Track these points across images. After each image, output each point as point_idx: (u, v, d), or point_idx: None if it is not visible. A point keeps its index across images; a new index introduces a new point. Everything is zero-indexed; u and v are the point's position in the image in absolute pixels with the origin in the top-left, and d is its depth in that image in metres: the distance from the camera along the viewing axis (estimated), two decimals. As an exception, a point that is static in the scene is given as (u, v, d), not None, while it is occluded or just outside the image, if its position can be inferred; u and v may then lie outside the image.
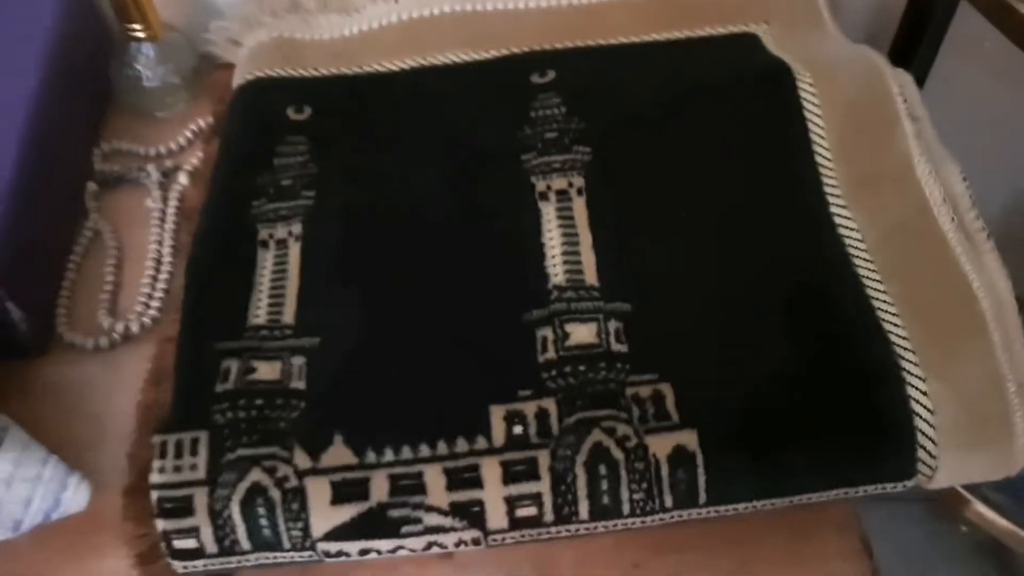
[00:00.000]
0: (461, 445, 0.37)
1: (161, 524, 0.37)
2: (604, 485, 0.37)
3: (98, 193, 0.55)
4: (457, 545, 0.38)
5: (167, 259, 0.52)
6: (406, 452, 0.37)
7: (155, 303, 0.50)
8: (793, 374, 0.39)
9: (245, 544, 0.37)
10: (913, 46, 0.64)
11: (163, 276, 0.51)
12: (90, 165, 0.56)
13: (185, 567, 0.38)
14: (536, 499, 0.37)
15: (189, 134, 0.58)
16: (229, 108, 0.52)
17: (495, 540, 0.38)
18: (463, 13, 0.56)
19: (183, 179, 0.55)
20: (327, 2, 0.58)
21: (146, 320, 0.49)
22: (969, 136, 0.49)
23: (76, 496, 0.41)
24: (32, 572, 0.41)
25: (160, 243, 0.53)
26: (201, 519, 0.37)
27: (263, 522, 0.37)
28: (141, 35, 0.57)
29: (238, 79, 0.54)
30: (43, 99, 0.51)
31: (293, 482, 0.37)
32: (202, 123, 0.58)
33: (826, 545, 0.41)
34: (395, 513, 0.37)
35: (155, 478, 0.37)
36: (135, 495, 0.41)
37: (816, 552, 0.41)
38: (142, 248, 0.53)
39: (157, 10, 0.57)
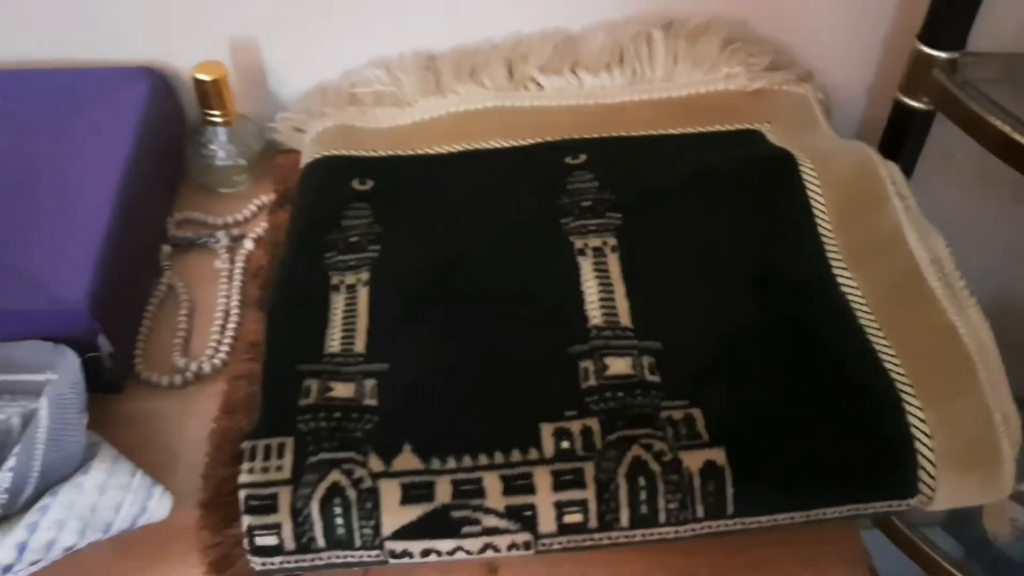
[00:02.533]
0: (515, 455, 0.42)
1: (247, 520, 0.41)
2: (643, 495, 0.41)
3: (171, 254, 0.61)
4: (510, 548, 0.42)
5: (234, 311, 0.58)
6: (466, 460, 0.42)
7: (224, 348, 0.55)
8: (807, 403, 0.44)
9: (320, 541, 0.41)
10: (893, 156, 0.72)
11: (231, 325, 0.57)
12: (165, 230, 0.62)
13: (263, 563, 0.41)
14: (582, 505, 0.41)
15: (254, 207, 0.65)
16: (301, 179, 0.59)
17: (544, 545, 0.42)
18: (503, 108, 0.64)
19: (249, 244, 0.62)
20: (381, 97, 0.66)
21: (216, 362, 0.54)
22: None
23: (160, 505, 0.45)
24: (112, 577, 0.45)
25: (228, 297, 0.58)
26: (283, 516, 0.41)
27: (339, 520, 0.41)
28: (218, 120, 0.64)
29: (307, 157, 0.61)
30: (131, 172, 0.57)
31: (368, 483, 0.41)
32: (264, 199, 0.65)
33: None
34: (457, 514, 0.41)
35: (244, 478, 0.41)
36: (210, 508, 0.45)
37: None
38: (209, 302, 0.58)
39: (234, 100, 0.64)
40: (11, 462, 0.42)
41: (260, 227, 0.63)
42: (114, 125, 0.60)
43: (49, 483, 0.43)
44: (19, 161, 0.57)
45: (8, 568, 0.41)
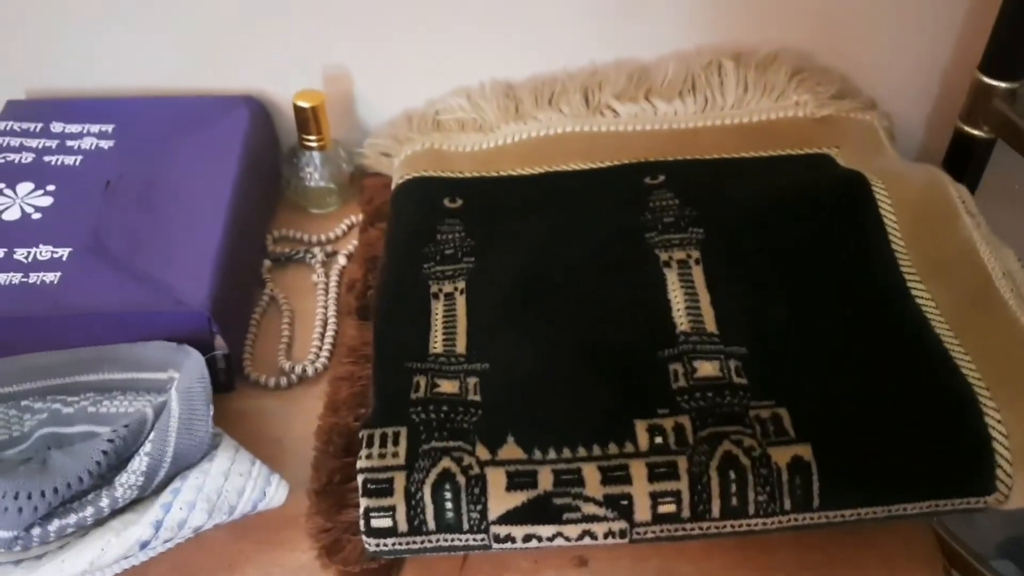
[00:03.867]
0: (612, 448, 0.45)
1: (364, 502, 0.44)
2: (733, 487, 0.44)
3: (271, 268, 0.65)
4: (606, 536, 0.44)
5: (332, 320, 0.61)
6: (566, 452, 0.45)
7: (324, 353, 0.59)
8: (889, 403, 0.46)
9: (431, 524, 0.44)
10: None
11: (329, 333, 0.60)
12: (265, 246, 0.67)
13: (377, 544, 0.45)
14: (676, 496, 0.44)
15: (344, 226, 0.69)
16: (394, 197, 0.63)
17: (638, 533, 0.44)
18: (581, 133, 0.67)
19: (342, 260, 0.66)
20: (464, 123, 0.70)
21: (318, 366, 0.58)
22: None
23: (278, 491, 0.48)
24: (231, 559, 0.48)
25: (325, 308, 0.62)
26: (398, 499, 0.44)
27: (448, 504, 0.44)
28: (314, 145, 0.68)
29: (397, 177, 0.65)
30: (238, 191, 0.62)
31: (476, 470, 0.44)
32: (354, 219, 0.69)
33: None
34: (558, 501, 0.44)
35: (362, 463, 0.45)
36: (321, 496, 0.49)
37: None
38: (308, 311, 0.62)
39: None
40: (147, 447, 0.46)
41: (351, 244, 0.67)
42: (221, 148, 0.64)
43: (179, 468, 0.47)
44: (141, 179, 0.61)
45: (145, 544, 0.45)
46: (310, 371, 0.58)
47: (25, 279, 0.54)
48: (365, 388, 0.53)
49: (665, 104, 0.68)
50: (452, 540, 0.45)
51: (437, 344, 0.51)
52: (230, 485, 0.47)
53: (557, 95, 0.70)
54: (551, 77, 0.72)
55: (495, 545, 0.45)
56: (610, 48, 0.71)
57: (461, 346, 0.51)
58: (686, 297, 0.52)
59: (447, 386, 0.48)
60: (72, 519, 0.44)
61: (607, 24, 0.69)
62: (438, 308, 0.53)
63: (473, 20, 0.68)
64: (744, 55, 0.70)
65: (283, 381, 0.57)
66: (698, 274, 0.53)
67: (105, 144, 0.65)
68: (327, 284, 0.64)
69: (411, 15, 0.68)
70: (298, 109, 0.67)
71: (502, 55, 0.71)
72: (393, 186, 0.65)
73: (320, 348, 0.59)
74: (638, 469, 0.44)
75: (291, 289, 0.64)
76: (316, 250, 0.66)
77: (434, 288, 0.54)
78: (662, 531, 0.45)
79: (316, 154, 0.69)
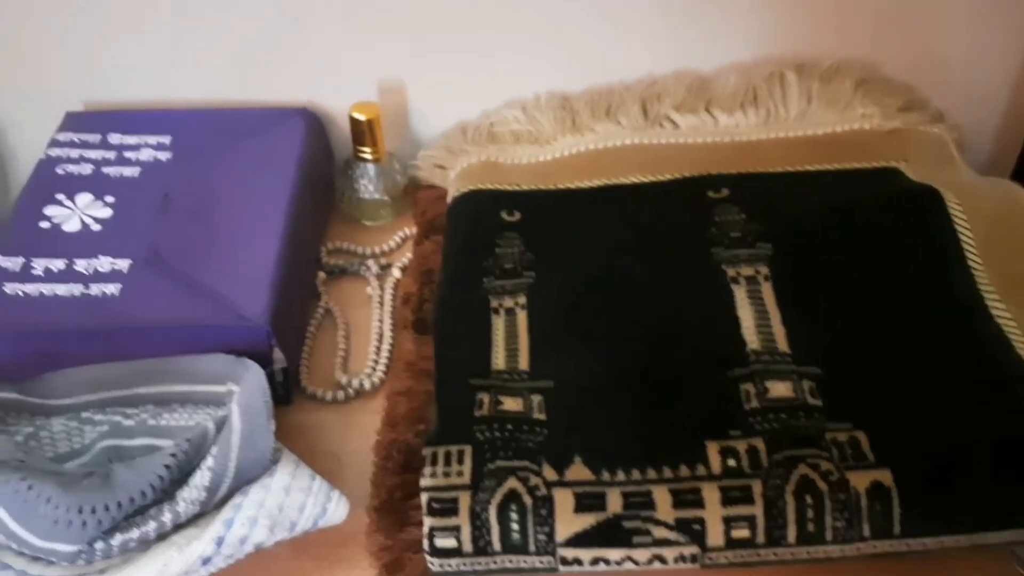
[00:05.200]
0: (683, 471, 0.44)
1: (428, 522, 0.43)
2: (810, 513, 0.42)
3: (325, 280, 0.65)
4: (677, 561, 0.43)
5: (387, 333, 0.61)
6: (635, 474, 0.44)
7: (380, 367, 0.58)
8: (971, 427, 0.44)
9: (496, 545, 0.43)
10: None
11: (385, 347, 0.60)
12: (319, 259, 0.66)
13: (441, 565, 0.44)
14: (750, 521, 0.43)
15: (398, 239, 0.68)
16: (451, 210, 0.62)
17: (710, 559, 0.43)
18: (640, 145, 0.66)
19: (396, 272, 0.65)
20: (519, 136, 0.70)
21: (374, 380, 0.57)
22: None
23: (338, 508, 0.47)
24: (290, 576, 0.48)
25: (381, 321, 0.62)
26: (463, 519, 0.43)
27: (515, 525, 0.43)
28: (369, 157, 0.68)
29: (453, 190, 0.64)
30: (295, 203, 0.61)
31: (543, 491, 0.43)
32: (407, 231, 0.69)
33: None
34: (628, 524, 0.42)
35: (426, 482, 0.44)
36: (382, 513, 0.48)
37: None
38: (363, 324, 0.62)
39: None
40: (210, 462, 0.45)
41: (405, 257, 0.66)
42: (277, 160, 0.64)
43: (241, 483, 0.46)
44: (199, 190, 0.61)
45: (207, 560, 0.44)
46: (367, 385, 0.57)
47: (86, 291, 0.54)
48: (424, 403, 0.53)
49: (726, 116, 0.66)
50: (518, 562, 0.44)
51: (499, 360, 0.50)
52: (291, 501, 0.46)
53: (614, 107, 0.68)
54: (607, 89, 0.71)
55: (562, 568, 0.43)
56: (667, 59, 0.70)
57: (524, 362, 0.50)
58: (756, 315, 0.50)
59: (511, 403, 0.47)
60: (135, 534, 0.44)
61: (664, 35, 0.68)
62: (499, 323, 0.52)
63: (527, 31, 0.68)
64: (806, 66, 0.69)
65: (340, 395, 0.57)
66: (768, 291, 0.52)
67: (162, 155, 0.65)
68: (382, 297, 0.63)
69: (465, 26, 0.68)
70: (354, 121, 0.66)
71: (556, 66, 0.70)
72: (449, 199, 0.64)
73: (376, 362, 0.59)
74: (711, 492, 0.43)
75: (345, 302, 0.64)
76: (370, 262, 0.66)
77: (494, 303, 0.53)
78: (735, 557, 0.43)
79: (371, 166, 0.68)
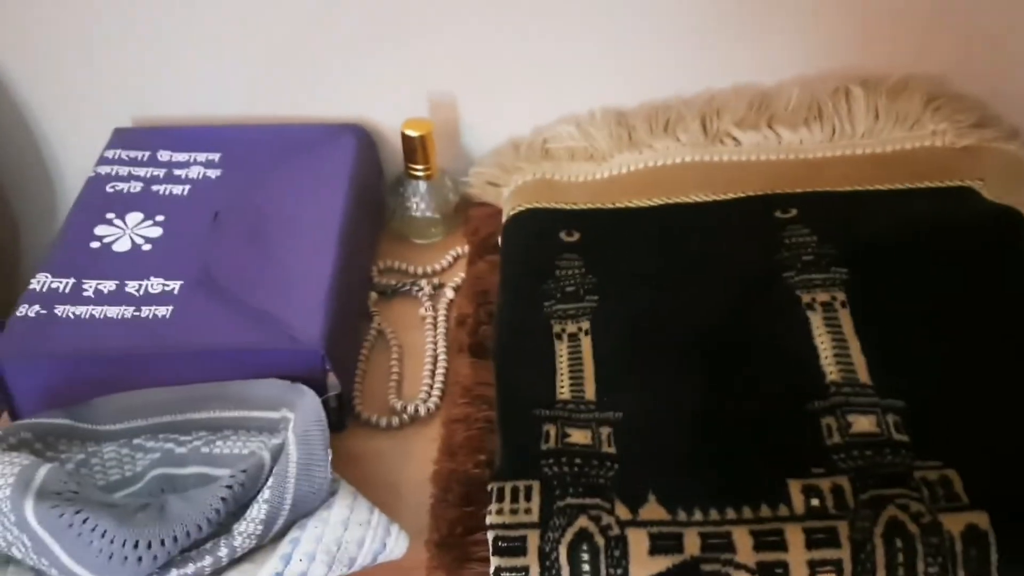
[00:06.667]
0: (764, 511, 0.41)
1: (495, 561, 0.41)
2: (900, 557, 0.40)
3: (377, 300, 0.63)
4: (758, 606, 0.41)
5: (441, 356, 0.59)
6: (713, 513, 0.41)
7: (436, 392, 0.56)
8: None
9: (566, 587, 0.41)
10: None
11: (440, 370, 0.58)
12: (371, 278, 0.65)
13: (509, 606, 0.41)
14: (836, 565, 0.40)
15: (450, 258, 0.66)
16: (506, 230, 0.60)
17: (793, 605, 0.41)
18: (700, 162, 0.64)
19: (449, 293, 0.63)
20: (574, 152, 0.68)
21: (430, 405, 0.56)
22: None
23: (398, 543, 0.45)
24: (348, 613, 0.46)
25: (435, 344, 0.60)
26: (531, 559, 0.41)
27: (586, 567, 0.41)
28: (420, 174, 0.66)
29: (508, 209, 0.63)
30: (347, 221, 0.60)
31: (615, 531, 0.41)
32: (459, 250, 0.67)
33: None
34: (707, 567, 0.40)
35: (492, 519, 0.42)
36: (443, 548, 0.46)
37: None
38: (416, 346, 0.60)
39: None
40: (266, 494, 0.44)
41: (458, 276, 0.64)
42: (329, 177, 0.63)
43: (297, 516, 0.44)
44: (249, 208, 0.60)
45: (264, 597, 0.42)
46: (422, 411, 0.55)
47: (137, 313, 0.53)
48: (482, 431, 0.51)
49: (790, 132, 0.64)
50: (588, 605, 0.41)
51: (564, 390, 0.48)
52: (350, 536, 0.44)
53: (673, 122, 0.66)
54: (664, 104, 0.69)
55: (636, 611, 0.41)
56: (726, 73, 0.68)
57: (590, 392, 0.47)
58: (834, 343, 0.48)
59: (578, 436, 0.45)
60: (190, 569, 0.42)
61: (722, 48, 0.66)
62: (562, 350, 0.50)
63: (580, 46, 0.66)
64: (872, 81, 0.66)
65: (395, 421, 0.55)
66: (845, 318, 0.49)
67: (212, 173, 0.64)
68: (435, 318, 0.62)
69: (517, 41, 0.66)
70: (406, 138, 0.65)
71: (611, 81, 0.68)
72: (504, 217, 0.62)
73: (431, 386, 0.57)
74: (794, 535, 0.41)
75: (398, 322, 0.62)
76: (423, 282, 0.64)
77: (557, 328, 0.51)
78: (821, 601, 0.41)
79: (422, 183, 0.67)
